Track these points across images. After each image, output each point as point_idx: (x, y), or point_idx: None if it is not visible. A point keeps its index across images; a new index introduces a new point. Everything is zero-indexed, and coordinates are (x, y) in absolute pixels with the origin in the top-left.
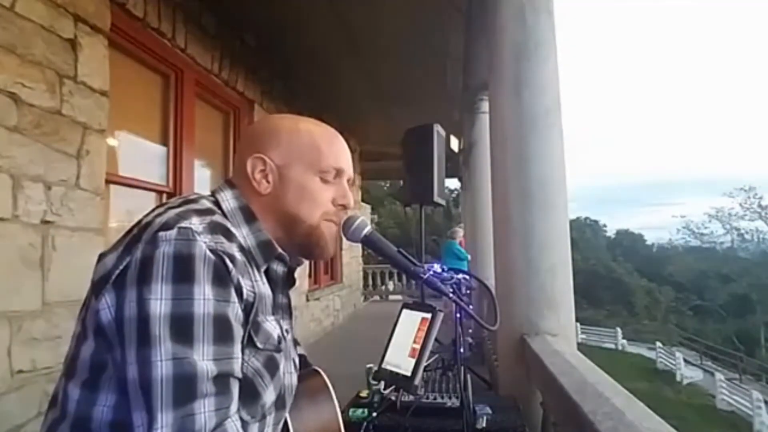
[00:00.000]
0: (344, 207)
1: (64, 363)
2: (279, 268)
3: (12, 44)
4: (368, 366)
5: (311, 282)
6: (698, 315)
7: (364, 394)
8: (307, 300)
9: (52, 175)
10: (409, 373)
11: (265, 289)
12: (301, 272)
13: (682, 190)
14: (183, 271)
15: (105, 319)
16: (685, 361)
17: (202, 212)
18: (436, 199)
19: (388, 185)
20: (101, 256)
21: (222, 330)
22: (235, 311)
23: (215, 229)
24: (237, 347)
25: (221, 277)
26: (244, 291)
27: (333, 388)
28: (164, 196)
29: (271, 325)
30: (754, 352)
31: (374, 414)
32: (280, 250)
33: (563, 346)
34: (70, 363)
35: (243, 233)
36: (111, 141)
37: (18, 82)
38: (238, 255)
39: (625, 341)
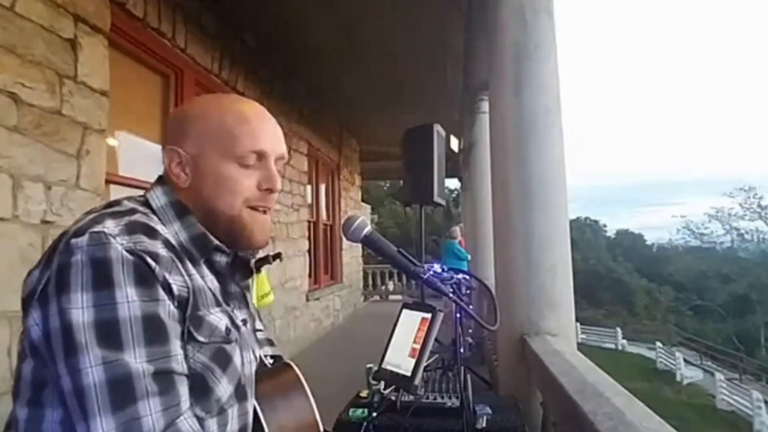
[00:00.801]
0: (270, 191)
1: (12, 385)
2: (222, 259)
3: (12, 44)
4: (368, 366)
5: (311, 282)
6: (698, 315)
7: (364, 394)
8: (307, 300)
9: (52, 175)
10: (409, 373)
11: (205, 282)
12: (302, 272)
13: (682, 190)
14: (101, 276)
15: (35, 336)
16: (685, 361)
17: (119, 214)
18: (436, 199)
19: (388, 185)
20: (28, 273)
21: (152, 330)
22: (166, 309)
23: (133, 228)
24: (174, 345)
25: (144, 277)
26: (174, 287)
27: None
28: None
29: (216, 317)
30: (754, 352)
31: (374, 414)
32: (216, 241)
33: (563, 346)
34: (15, 383)
35: (175, 229)
36: (111, 141)
37: (18, 82)
38: (162, 252)
39: (625, 341)
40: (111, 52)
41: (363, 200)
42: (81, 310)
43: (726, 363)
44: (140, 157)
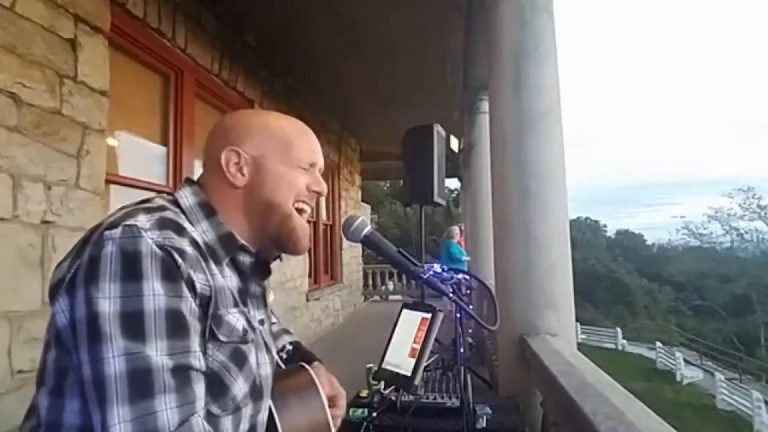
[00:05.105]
0: (318, 194)
1: (36, 373)
2: (246, 259)
3: (12, 44)
4: (368, 366)
5: (311, 282)
6: (698, 315)
7: (364, 394)
8: (307, 300)
9: (52, 175)
10: (409, 373)
11: (226, 281)
12: (302, 272)
13: (682, 190)
14: (130, 268)
15: (61, 324)
16: (685, 361)
17: (151, 210)
18: (436, 199)
19: (388, 185)
20: (58, 264)
21: (175, 324)
22: (188, 305)
23: (164, 224)
24: (194, 341)
25: (170, 272)
26: (197, 285)
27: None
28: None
29: (234, 317)
30: (754, 352)
31: (374, 414)
32: (242, 241)
33: (563, 346)
34: (39, 372)
35: (202, 228)
36: (111, 141)
37: (18, 82)
38: (188, 249)
39: (625, 341)
40: (111, 52)
41: (363, 200)
42: (108, 300)
43: (726, 363)
44: (140, 156)
